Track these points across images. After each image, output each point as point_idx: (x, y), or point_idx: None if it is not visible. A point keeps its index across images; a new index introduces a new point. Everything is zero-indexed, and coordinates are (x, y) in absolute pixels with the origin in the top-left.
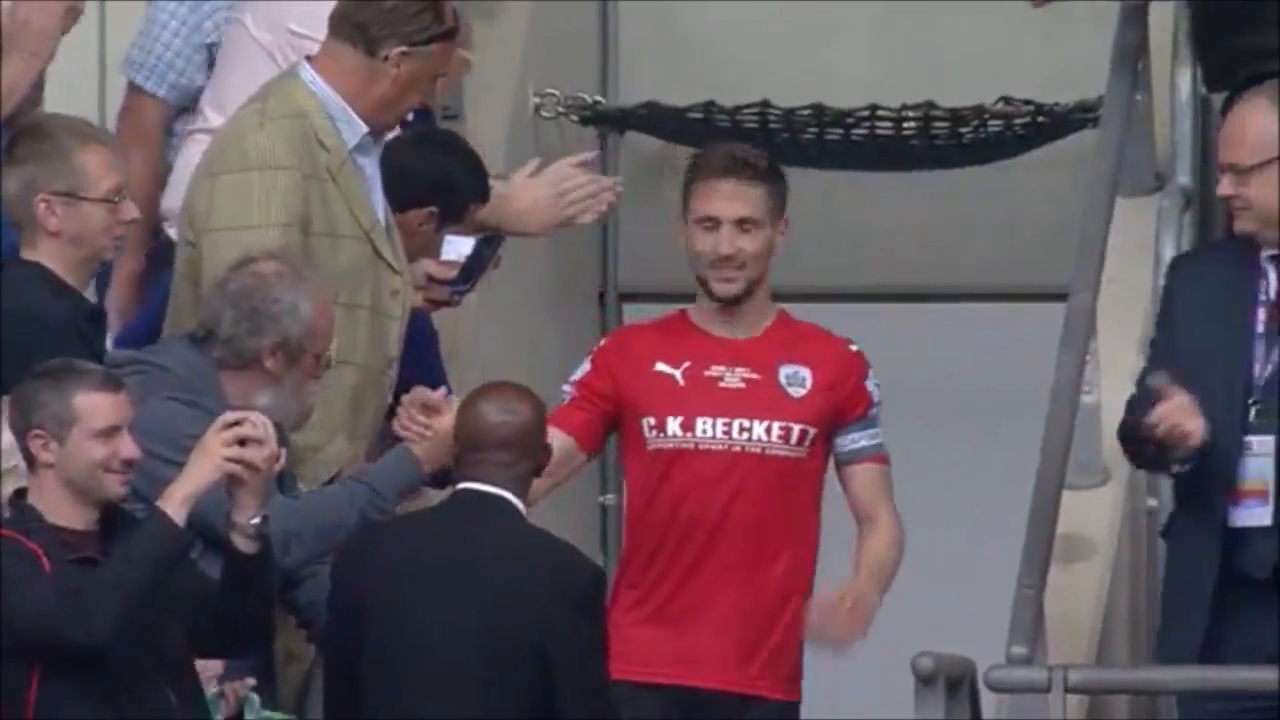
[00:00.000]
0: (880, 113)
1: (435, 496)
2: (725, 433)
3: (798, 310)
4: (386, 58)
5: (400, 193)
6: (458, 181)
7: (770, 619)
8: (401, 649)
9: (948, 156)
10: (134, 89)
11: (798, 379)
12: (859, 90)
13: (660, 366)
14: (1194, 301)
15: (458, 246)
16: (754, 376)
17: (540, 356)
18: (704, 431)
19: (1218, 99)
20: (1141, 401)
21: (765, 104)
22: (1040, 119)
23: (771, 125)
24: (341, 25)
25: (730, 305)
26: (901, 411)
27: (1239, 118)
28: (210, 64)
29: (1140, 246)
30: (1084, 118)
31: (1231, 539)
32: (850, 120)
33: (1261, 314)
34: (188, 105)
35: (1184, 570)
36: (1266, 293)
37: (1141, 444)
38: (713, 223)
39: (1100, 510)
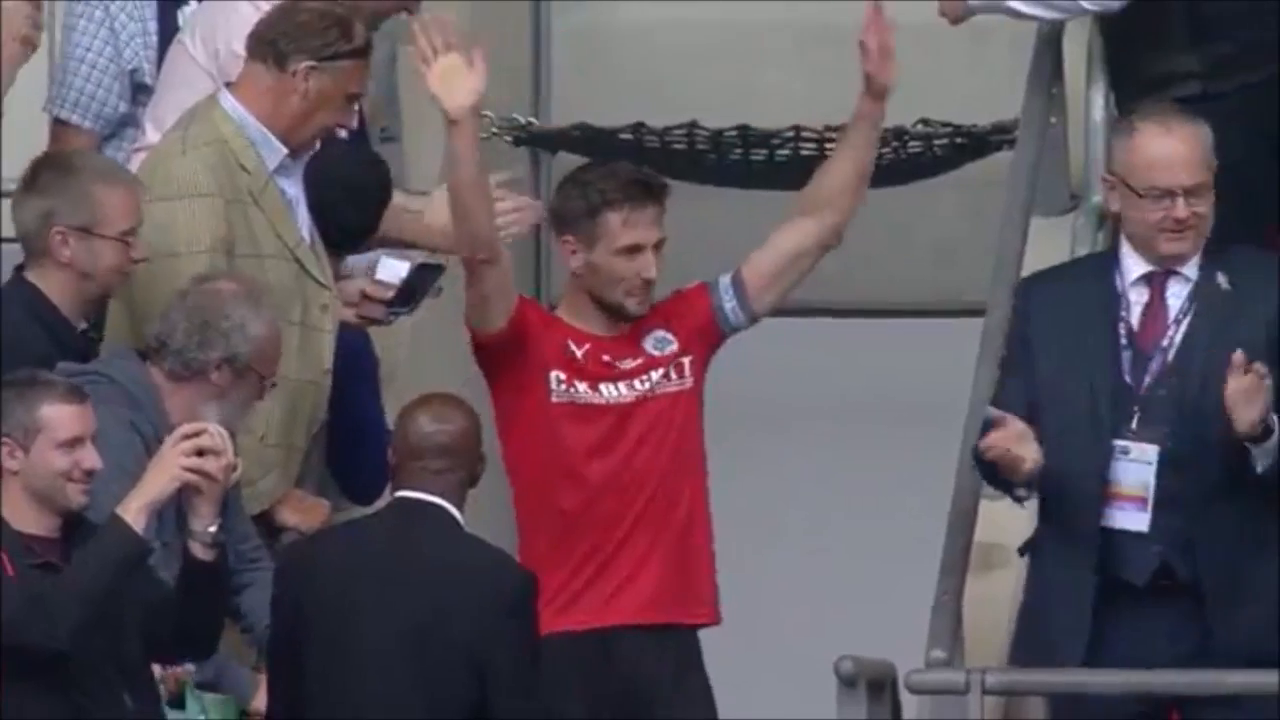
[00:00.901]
0: (804, 134)
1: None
2: (627, 390)
3: None
4: (295, 73)
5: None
6: (340, 218)
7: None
8: (342, 653)
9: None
10: (60, 124)
11: (664, 341)
12: (784, 112)
13: (570, 343)
14: (1053, 318)
15: (394, 268)
16: (635, 361)
17: (477, 374)
18: (609, 393)
19: None
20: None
21: (693, 125)
22: (959, 140)
23: (699, 146)
24: (255, 45)
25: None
26: (826, 423)
27: (1172, 142)
28: (134, 90)
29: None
30: (1001, 139)
31: (1109, 548)
32: (775, 141)
33: (1124, 329)
34: (112, 132)
35: (1058, 575)
36: (1128, 309)
37: (987, 466)
38: (638, 249)
39: (1015, 519)
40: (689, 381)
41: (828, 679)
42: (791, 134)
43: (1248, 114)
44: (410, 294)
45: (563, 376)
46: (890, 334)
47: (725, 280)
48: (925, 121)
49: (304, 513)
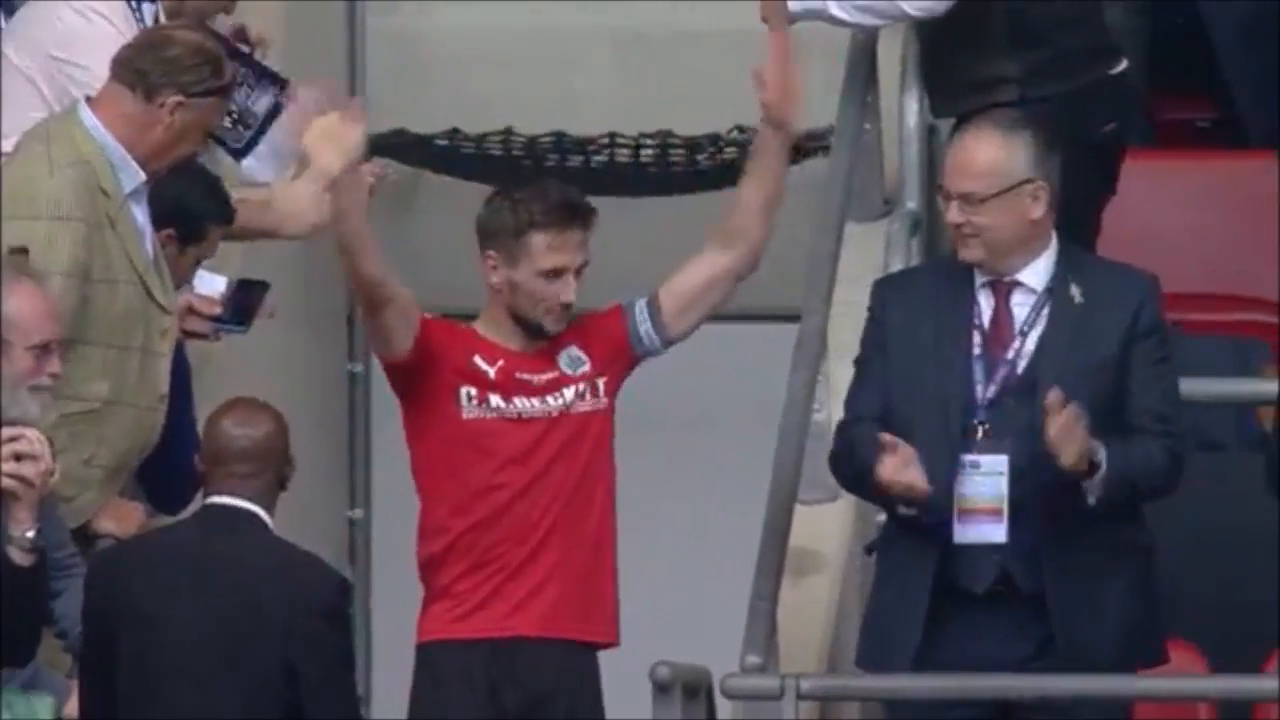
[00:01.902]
0: (619, 140)
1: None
2: (541, 405)
3: None
4: (163, 105)
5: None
6: (193, 204)
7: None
8: (154, 660)
9: (684, 183)
10: None
11: (577, 361)
12: (599, 119)
13: (478, 360)
14: (907, 323)
15: (210, 282)
16: (548, 376)
17: (291, 376)
18: (523, 406)
19: (944, 126)
20: (853, 431)
21: (509, 131)
22: None
23: (515, 152)
24: (123, 70)
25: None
26: (638, 428)
27: (968, 147)
28: None
29: (870, 270)
30: (815, 145)
31: (949, 554)
32: (591, 148)
33: (977, 338)
34: None
35: (897, 584)
36: (980, 317)
37: (860, 478)
38: (560, 272)
39: (830, 525)
40: (603, 402)
41: (644, 684)
42: (607, 141)
43: (1064, 121)
44: (244, 312)
45: (474, 392)
46: (701, 339)
47: (641, 303)
48: (740, 128)
49: (120, 519)
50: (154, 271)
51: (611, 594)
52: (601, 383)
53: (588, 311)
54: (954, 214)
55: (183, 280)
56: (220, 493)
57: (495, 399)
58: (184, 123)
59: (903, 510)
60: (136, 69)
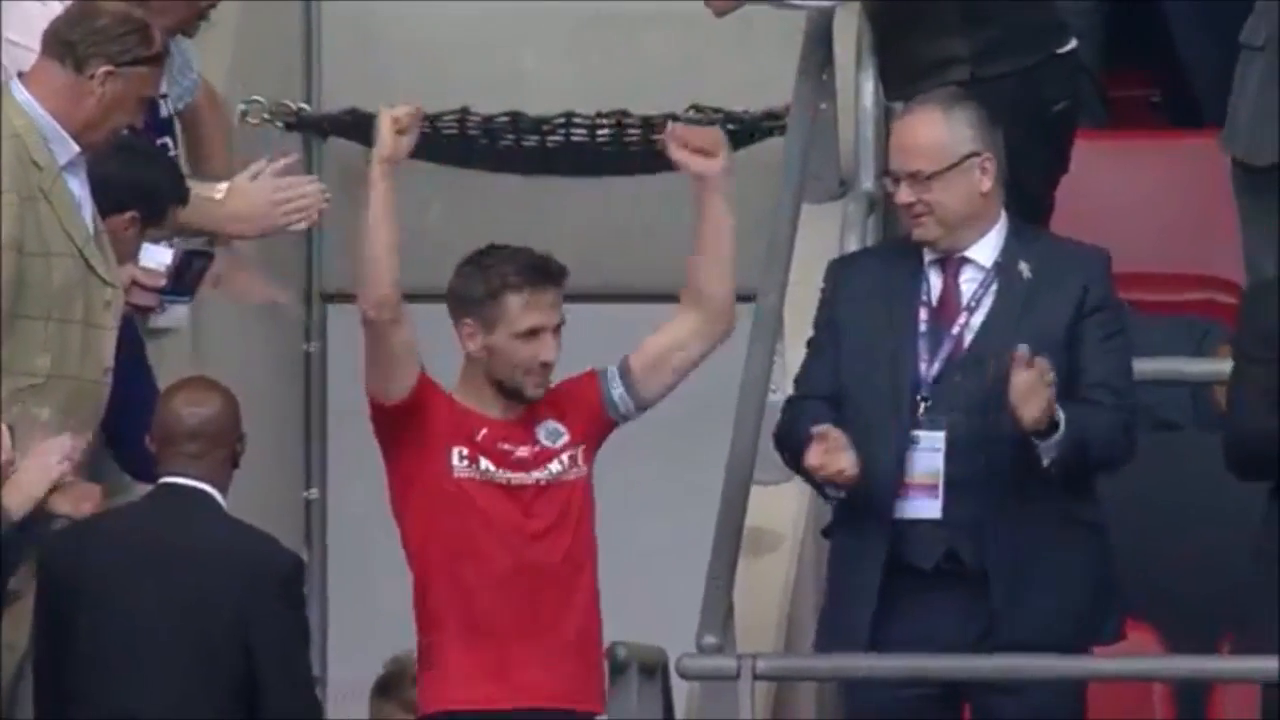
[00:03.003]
0: (575, 120)
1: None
2: (526, 476)
3: None
4: (92, 76)
5: (103, 199)
6: (157, 186)
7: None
8: (109, 639)
9: (641, 163)
10: None
11: (556, 433)
12: (555, 98)
13: (464, 423)
14: (857, 303)
15: (155, 254)
16: (530, 449)
17: (250, 356)
18: (511, 475)
19: (901, 109)
20: (795, 410)
21: (465, 111)
22: (730, 126)
23: (470, 132)
24: (51, 43)
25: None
26: None
27: (911, 126)
28: None
29: (826, 250)
30: (771, 125)
31: (898, 531)
32: (546, 127)
33: (924, 314)
34: None
35: (849, 562)
36: (928, 294)
37: (796, 458)
38: (538, 331)
39: (787, 505)
40: (584, 470)
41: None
42: (563, 120)
43: (1015, 99)
44: (188, 283)
45: (465, 452)
46: (657, 319)
47: (613, 369)
48: (696, 108)
49: (75, 500)
50: (94, 244)
51: (600, 662)
52: (580, 452)
53: (562, 380)
54: (904, 194)
55: (129, 254)
56: (172, 472)
57: (485, 462)
58: (115, 93)
59: (830, 493)
60: (65, 41)
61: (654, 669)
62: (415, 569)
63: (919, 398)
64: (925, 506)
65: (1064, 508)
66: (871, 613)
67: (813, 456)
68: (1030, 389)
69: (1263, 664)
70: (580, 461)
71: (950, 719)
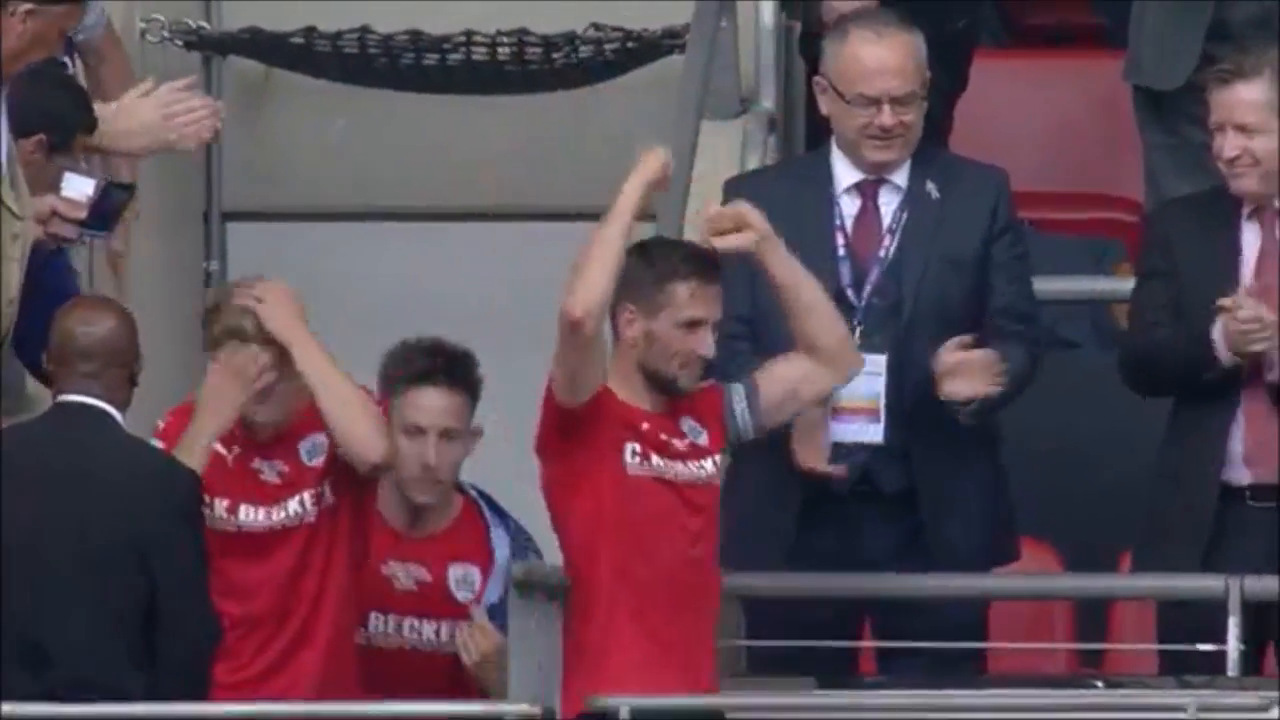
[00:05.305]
0: (476, 39)
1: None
2: (686, 470)
3: (395, 227)
4: (14, 13)
5: (9, 121)
6: (65, 112)
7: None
8: (5, 558)
9: (541, 81)
10: None
11: (697, 430)
12: (455, 17)
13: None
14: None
15: (78, 185)
16: (687, 442)
17: (148, 275)
18: (679, 469)
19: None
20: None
21: (364, 29)
22: (630, 45)
23: (370, 50)
24: None
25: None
26: (488, 333)
27: (893, 48)
28: None
29: (726, 168)
30: (672, 44)
31: (836, 456)
32: (447, 46)
33: (840, 239)
34: None
35: (768, 485)
36: (840, 218)
37: None
38: (700, 323)
39: None
40: (718, 477)
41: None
42: (463, 39)
43: (917, 18)
44: (106, 216)
45: (638, 448)
46: (567, 238)
47: (739, 387)
48: (596, 26)
49: None
50: (4, 177)
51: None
52: (721, 458)
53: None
54: (887, 117)
55: (46, 183)
56: (68, 390)
57: (656, 458)
58: (35, 30)
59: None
60: None
61: (558, 591)
62: (579, 562)
63: (856, 323)
64: (864, 430)
65: (970, 430)
66: (785, 533)
67: (807, 460)
68: (958, 370)
69: (1159, 581)
70: (719, 466)
71: (850, 635)
